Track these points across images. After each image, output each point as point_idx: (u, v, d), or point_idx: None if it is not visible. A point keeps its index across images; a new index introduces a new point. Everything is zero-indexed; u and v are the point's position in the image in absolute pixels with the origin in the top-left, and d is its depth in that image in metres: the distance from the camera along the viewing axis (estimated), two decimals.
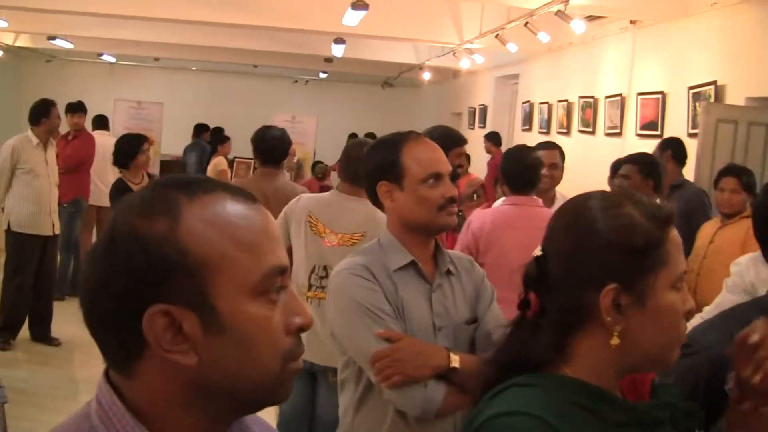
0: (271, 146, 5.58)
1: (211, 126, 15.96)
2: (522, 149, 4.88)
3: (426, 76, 16.21)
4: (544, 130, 12.32)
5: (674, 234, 1.55)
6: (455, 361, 2.52)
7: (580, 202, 1.62)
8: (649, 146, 8.68)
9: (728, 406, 1.83)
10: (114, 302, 1.11)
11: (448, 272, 2.74)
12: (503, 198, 4.85)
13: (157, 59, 19.72)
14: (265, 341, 1.14)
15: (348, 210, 4.18)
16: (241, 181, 7.21)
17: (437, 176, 2.67)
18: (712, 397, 1.90)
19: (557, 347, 1.56)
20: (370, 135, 15.93)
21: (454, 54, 12.89)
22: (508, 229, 4.41)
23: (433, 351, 2.54)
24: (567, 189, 9.04)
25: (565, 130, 11.52)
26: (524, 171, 4.58)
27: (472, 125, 16.56)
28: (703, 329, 2.06)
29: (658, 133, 8.76)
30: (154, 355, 1.11)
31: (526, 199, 4.56)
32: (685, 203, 6.00)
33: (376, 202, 2.80)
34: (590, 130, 10.64)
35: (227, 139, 12.93)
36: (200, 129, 15.55)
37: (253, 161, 13.94)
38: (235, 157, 13.65)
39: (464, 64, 13.10)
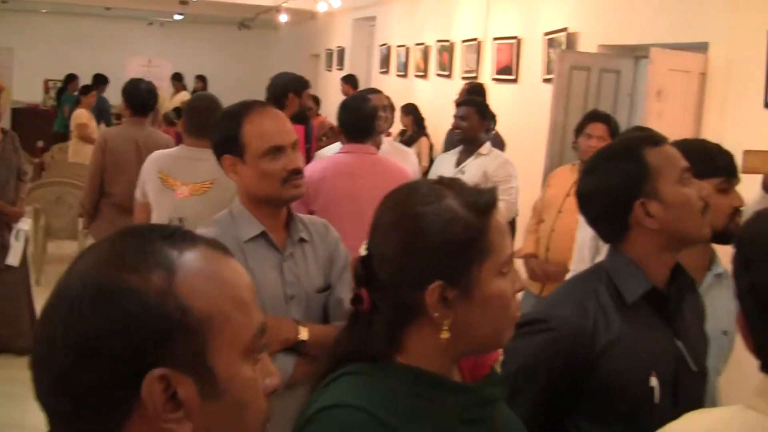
0: (143, 98, 5.69)
1: (66, 73, 15.16)
2: (358, 99, 4.80)
3: (283, 18, 15.89)
4: (402, 73, 12.26)
5: (497, 220, 1.51)
6: (304, 333, 2.53)
7: (403, 197, 1.55)
8: (505, 90, 8.78)
9: (591, 379, 1.91)
10: (105, 367, 0.97)
11: (302, 240, 2.70)
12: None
13: (5, 1, 18.65)
14: (255, 404, 1.08)
15: (196, 160, 4.14)
16: (112, 129, 6.99)
17: (278, 149, 2.61)
18: (573, 369, 1.93)
19: (391, 340, 1.53)
20: (201, 77, 15.48)
21: None
22: (341, 177, 4.35)
23: (281, 324, 2.54)
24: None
25: (422, 74, 11.48)
26: (359, 120, 4.52)
27: (329, 67, 16.40)
28: (555, 303, 2.07)
29: (513, 77, 8.82)
30: (140, 424, 0.99)
31: (360, 147, 4.51)
32: None
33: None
34: (447, 73, 10.62)
35: (91, 88, 12.06)
36: (99, 80, 13.76)
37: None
38: None
39: (321, 6, 12.90)
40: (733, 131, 5.40)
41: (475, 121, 5.64)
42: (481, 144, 5.64)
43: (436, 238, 1.46)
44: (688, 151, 2.48)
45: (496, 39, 9.25)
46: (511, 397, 1.92)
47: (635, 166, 2.01)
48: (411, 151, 5.92)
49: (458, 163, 5.65)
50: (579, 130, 4.97)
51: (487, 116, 5.74)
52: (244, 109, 2.68)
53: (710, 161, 2.57)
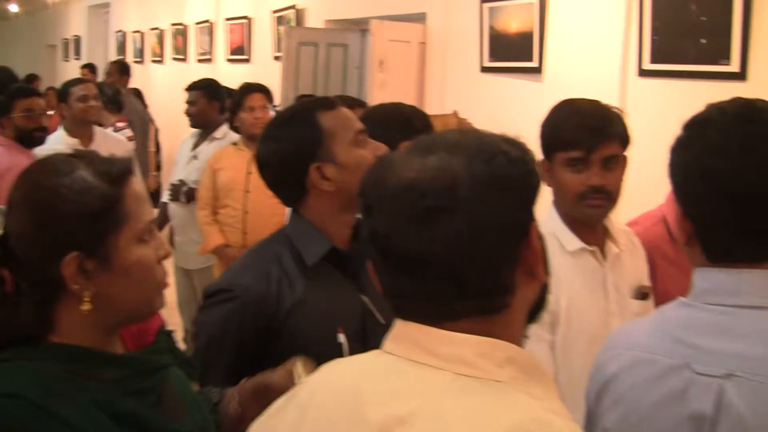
0: None
1: None
2: None
3: (13, 8, 14.89)
4: (139, 60, 11.74)
5: (132, 188, 1.46)
6: None
7: (34, 172, 1.47)
8: (240, 71, 8.51)
9: (280, 342, 1.90)
10: None
11: None
12: None
13: None
14: None
15: None
16: None
17: None
18: (260, 334, 1.91)
19: (41, 319, 1.45)
20: None
21: None
22: None
23: None
24: (162, 117, 8.65)
25: (159, 59, 11.06)
26: None
27: (67, 57, 15.52)
28: (238, 271, 2.03)
29: (246, 57, 8.58)
30: None
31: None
32: None
33: None
34: (183, 57, 10.26)
35: None
36: None
37: None
38: None
39: None
40: (454, 95, 5.42)
41: (203, 104, 5.24)
42: (216, 127, 5.25)
43: (67, 209, 1.40)
44: (385, 116, 2.60)
45: (228, 20, 8.97)
46: (205, 369, 1.89)
47: (309, 131, 1.98)
48: (124, 140, 5.50)
49: (195, 146, 5.27)
50: (237, 106, 4.74)
51: (217, 98, 5.35)
52: None
53: (407, 123, 2.56)
